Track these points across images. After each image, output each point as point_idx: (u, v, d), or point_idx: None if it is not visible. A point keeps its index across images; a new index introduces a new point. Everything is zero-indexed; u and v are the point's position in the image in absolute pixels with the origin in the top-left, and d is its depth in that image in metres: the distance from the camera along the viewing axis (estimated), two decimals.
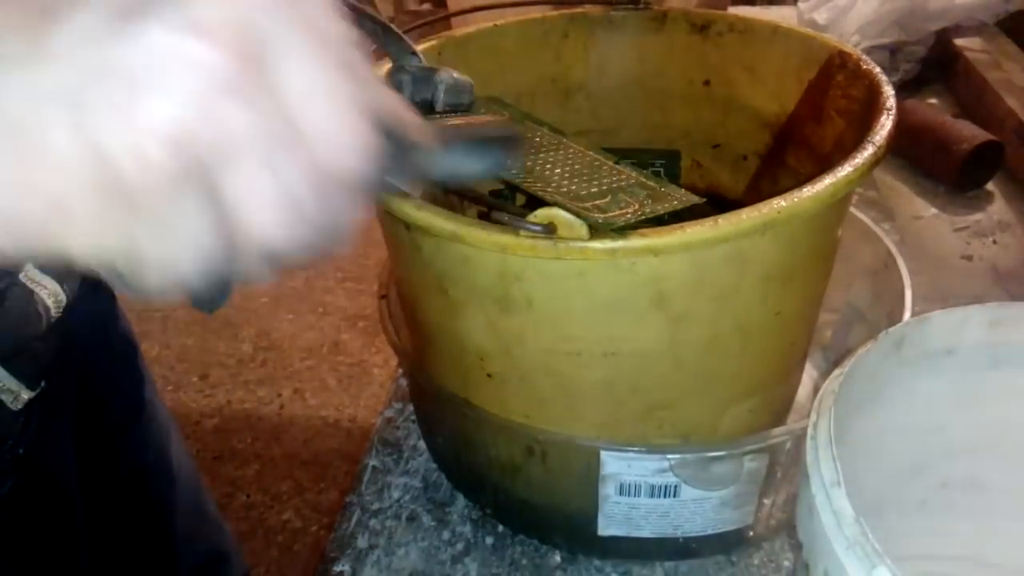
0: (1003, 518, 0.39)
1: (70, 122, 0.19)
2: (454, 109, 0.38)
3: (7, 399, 0.43)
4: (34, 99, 0.19)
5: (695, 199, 0.40)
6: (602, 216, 0.34)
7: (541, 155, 0.42)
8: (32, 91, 0.19)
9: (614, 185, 0.40)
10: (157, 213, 0.20)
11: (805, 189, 0.33)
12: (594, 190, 0.39)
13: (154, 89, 0.19)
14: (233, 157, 0.20)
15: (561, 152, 0.43)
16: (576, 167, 0.41)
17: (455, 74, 0.38)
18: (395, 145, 0.26)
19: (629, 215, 0.35)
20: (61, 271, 0.43)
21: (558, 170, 0.40)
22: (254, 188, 0.21)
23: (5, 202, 0.19)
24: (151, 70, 0.19)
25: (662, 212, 0.38)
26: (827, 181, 0.33)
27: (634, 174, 0.42)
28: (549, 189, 0.38)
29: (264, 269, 0.23)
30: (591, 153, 0.44)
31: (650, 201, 0.38)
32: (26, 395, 0.44)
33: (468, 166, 0.30)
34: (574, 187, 0.39)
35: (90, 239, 0.20)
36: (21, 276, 0.41)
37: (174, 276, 0.21)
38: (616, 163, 0.43)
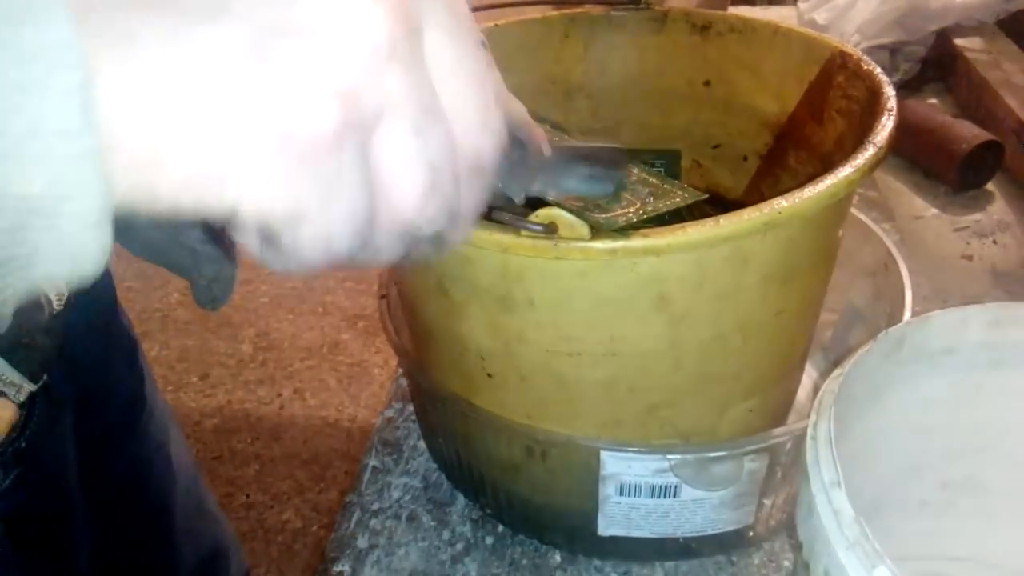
0: (1003, 518, 0.39)
1: (250, 75, 0.19)
2: None
3: (10, 392, 0.43)
4: (219, 51, 0.19)
5: (698, 195, 0.39)
6: (603, 216, 0.34)
7: None
8: (217, 44, 0.19)
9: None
10: (320, 170, 0.20)
11: (806, 189, 0.33)
12: None
13: (326, 47, 0.20)
14: (387, 119, 0.21)
15: None
16: None
17: None
18: (517, 150, 0.26)
19: (631, 214, 0.35)
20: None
21: None
22: (401, 151, 0.22)
23: (192, 152, 0.19)
24: (324, 29, 0.20)
25: (665, 210, 0.37)
26: (828, 182, 0.33)
27: (636, 171, 0.42)
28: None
29: (395, 245, 0.23)
30: None
31: (652, 199, 0.38)
32: (28, 388, 0.44)
33: (579, 185, 0.31)
34: None
35: (260, 195, 0.20)
36: None
37: (328, 240, 0.22)
38: None
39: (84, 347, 0.52)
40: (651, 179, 0.41)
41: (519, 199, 0.30)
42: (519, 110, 0.26)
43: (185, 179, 0.19)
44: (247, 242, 0.23)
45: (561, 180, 0.30)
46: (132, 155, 0.19)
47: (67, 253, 0.18)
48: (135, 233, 0.53)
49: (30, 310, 0.41)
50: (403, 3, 0.21)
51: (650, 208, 0.36)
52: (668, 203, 0.38)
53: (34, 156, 0.17)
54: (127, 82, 0.18)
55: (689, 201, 0.39)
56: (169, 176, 0.19)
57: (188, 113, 0.19)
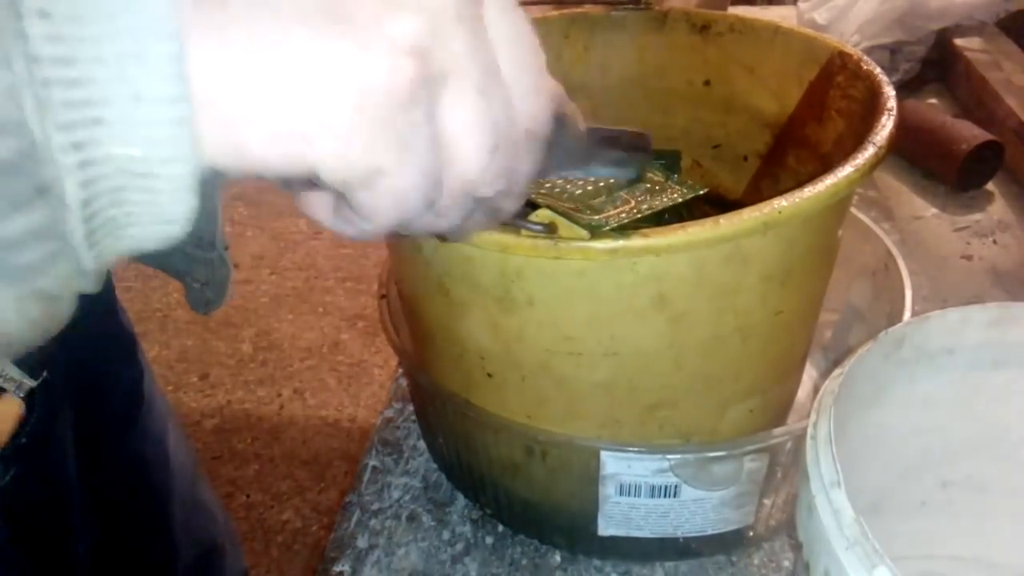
0: (1003, 518, 0.39)
1: (327, 34, 0.20)
2: None
3: (9, 388, 0.43)
4: (298, 13, 0.20)
5: (696, 190, 0.39)
6: (595, 217, 0.34)
7: None
8: (296, 5, 0.20)
9: (611, 183, 0.40)
10: (396, 126, 0.21)
11: (806, 189, 0.33)
12: (590, 188, 0.38)
13: (397, 7, 0.21)
14: (453, 79, 0.22)
15: None
16: None
17: None
18: (558, 129, 0.27)
19: (623, 215, 0.35)
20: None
21: None
22: (467, 111, 0.22)
23: (277, 111, 0.20)
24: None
25: (660, 207, 0.37)
26: (828, 181, 0.33)
27: None
28: (542, 192, 0.37)
29: (457, 208, 0.24)
30: None
31: (648, 197, 0.38)
32: (28, 384, 0.44)
33: (607, 169, 0.31)
34: (569, 186, 0.38)
35: (341, 151, 0.21)
36: None
37: (402, 198, 0.23)
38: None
39: (83, 343, 0.52)
40: (650, 175, 0.40)
41: (556, 177, 0.30)
42: (559, 88, 0.27)
43: (272, 137, 0.21)
44: (320, 208, 0.25)
45: (591, 162, 0.31)
46: (223, 114, 0.20)
47: (159, 215, 0.20)
48: None
49: None
50: None
51: (645, 207, 0.36)
52: (664, 200, 0.38)
53: (136, 122, 0.19)
54: (217, 45, 0.20)
55: (688, 196, 0.39)
56: (257, 135, 0.20)
57: (272, 73, 0.20)
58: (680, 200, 0.38)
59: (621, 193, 0.38)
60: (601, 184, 0.39)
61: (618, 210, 0.36)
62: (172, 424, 0.65)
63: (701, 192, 0.39)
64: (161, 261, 0.53)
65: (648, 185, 0.39)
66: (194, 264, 0.52)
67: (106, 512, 0.56)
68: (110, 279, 0.59)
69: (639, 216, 0.35)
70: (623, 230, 0.32)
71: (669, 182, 0.40)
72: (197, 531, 0.67)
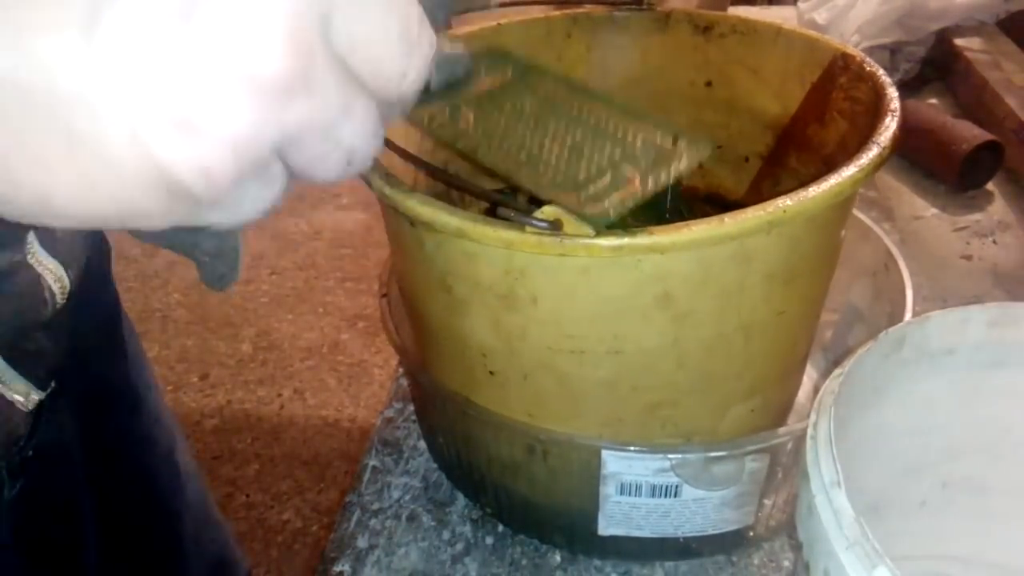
0: (1003, 518, 0.39)
1: (128, 133, 0.18)
2: (450, 86, 0.35)
3: (16, 401, 0.43)
4: (90, 106, 0.18)
5: (699, 149, 0.37)
6: (598, 207, 0.33)
7: (539, 128, 0.40)
8: (88, 96, 0.18)
9: (616, 156, 0.38)
10: (224, 201, 0.20)
11: (811, 189, 0.33)
12: (593, 169, 0.37)
13: (211, 99, 0.18)
14: (296, 142, 0.20)
15: (563, 116, 0.40)
16: (577, 138, 0.39)
17: (447, 48, 0.35)
18: None
19: (627, 199, 0.34)
20: (66, 256, 0.42)
21: (556, 148, 0.39)
22: (319, 158, 0.21)
23: (79, 200, 0.19)
24: (206, 76, 0.18)
25: (664, 183, 0.35)
26: (832, 181, 0.33)
27: (640, 134, 0.39)
28: (543, 182, 0.36)
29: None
30: (595, 113, 0.41)
31: (655, 167, 0.36)
32: (36, 396, 0.44)
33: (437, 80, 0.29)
34: (571, 170, 0.37)
35: (159, 224, 0.20)
36: (29, 257, 0.40)
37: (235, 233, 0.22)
38: (622, 120, 0.40)
39: (90, 354, 0.52)
40: (657, 139, 0.38)
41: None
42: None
43: (88, 221, 0.20)
44: None
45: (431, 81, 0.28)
46: None
47: None
48: None
49: (34, 301, 0.41)
50: (295, 21, 0.19)
51: (649, 185, 0.35)
52: (671, 170, 0.35)
53: None
54: None
55: (693, 161, 0.36)
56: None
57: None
58: (684, 168, 0.36)
59: (628, 165, 0.36)
60: (605, 160, 0.37)
61: (621, 193, 0.35)
62: (179, 437, 0.65)
63: (707, 153, 0.37)
64: (170, 240, 0.52)
65: (657, 151, 0.37)
66: (199, 235, 0.50)
67: (116, 525, 0.56)
68: (113, 288, 0.58)
69: (642, 200, 0.34)
70: (628, 228, 0.32)
71: (676, 144, 0.37)
72: (208, 544, 0.67)
